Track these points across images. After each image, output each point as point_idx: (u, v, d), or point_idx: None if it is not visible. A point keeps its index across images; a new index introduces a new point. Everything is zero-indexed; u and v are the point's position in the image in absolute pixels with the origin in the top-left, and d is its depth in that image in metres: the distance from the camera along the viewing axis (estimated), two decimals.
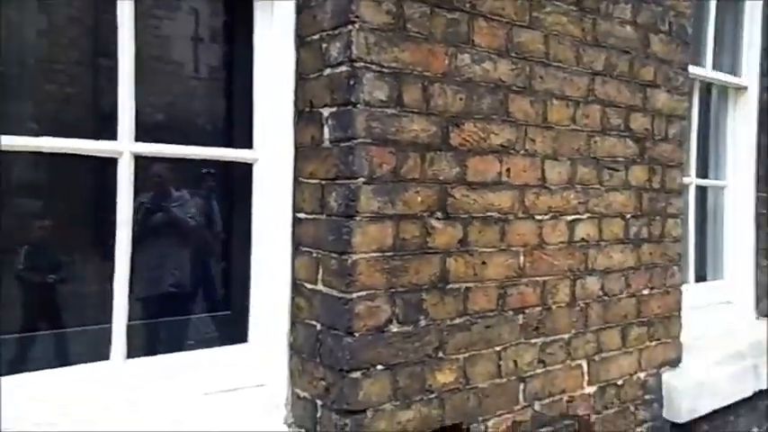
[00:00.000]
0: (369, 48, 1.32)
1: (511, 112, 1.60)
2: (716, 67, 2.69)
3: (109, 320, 1.32)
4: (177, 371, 1.38)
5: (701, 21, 2.56)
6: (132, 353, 1.36)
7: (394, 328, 1.38)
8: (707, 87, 2.77)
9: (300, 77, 1.48)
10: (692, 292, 2.50)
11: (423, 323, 1.43)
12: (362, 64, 1.32)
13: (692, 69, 2.52)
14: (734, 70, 2.77)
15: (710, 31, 2.59)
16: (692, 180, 2.57)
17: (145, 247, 1.71)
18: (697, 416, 2.03)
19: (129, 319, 1.33)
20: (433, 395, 1.44)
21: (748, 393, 2.20)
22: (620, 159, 1.91)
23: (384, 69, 1.35)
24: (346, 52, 1.32)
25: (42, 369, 1.30)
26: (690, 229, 2.59)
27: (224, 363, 1.43)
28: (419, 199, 1.43)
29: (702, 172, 2.79)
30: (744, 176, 2.74)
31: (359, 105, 1.32)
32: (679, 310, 2.12)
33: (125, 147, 1.36)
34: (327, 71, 1.39)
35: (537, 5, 1.63)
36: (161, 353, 1.40)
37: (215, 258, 1.76)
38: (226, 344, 1.50)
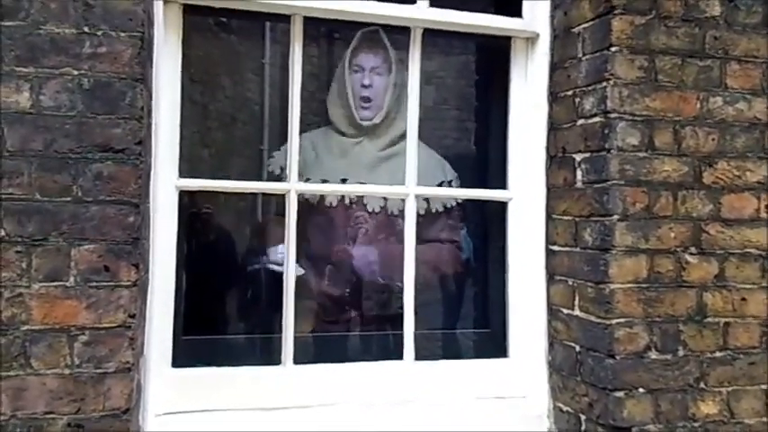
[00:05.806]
0: (622, 100, 1.49)
1: None
2: None
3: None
4: (452, 374, 1.65)
5: None
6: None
7: (653, 354, 1.46)
8: None
9: (552, 127, 1.70)
10: None
11: (681, 353, 1.49)
12: (616, 115, 1.49)
13: None
14: None
15: None
16: None
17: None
18: None
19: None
20: (696, 424, 1.47)
21: None
22: None
23: (636, 118, 1.50)
24: (600, 105, 1.51)
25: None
26: None
27: (489, 373, 1.67)
28: (672, 235, 1.51)
29: None
30: None
31: (612, 151, 1.49)
32: None
33: (410, 190, 1.71)
34: (580, 122, 1.59)
35: None
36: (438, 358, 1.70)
37: (472, 282, 2.07)
38: (488, 357, 1.73)
